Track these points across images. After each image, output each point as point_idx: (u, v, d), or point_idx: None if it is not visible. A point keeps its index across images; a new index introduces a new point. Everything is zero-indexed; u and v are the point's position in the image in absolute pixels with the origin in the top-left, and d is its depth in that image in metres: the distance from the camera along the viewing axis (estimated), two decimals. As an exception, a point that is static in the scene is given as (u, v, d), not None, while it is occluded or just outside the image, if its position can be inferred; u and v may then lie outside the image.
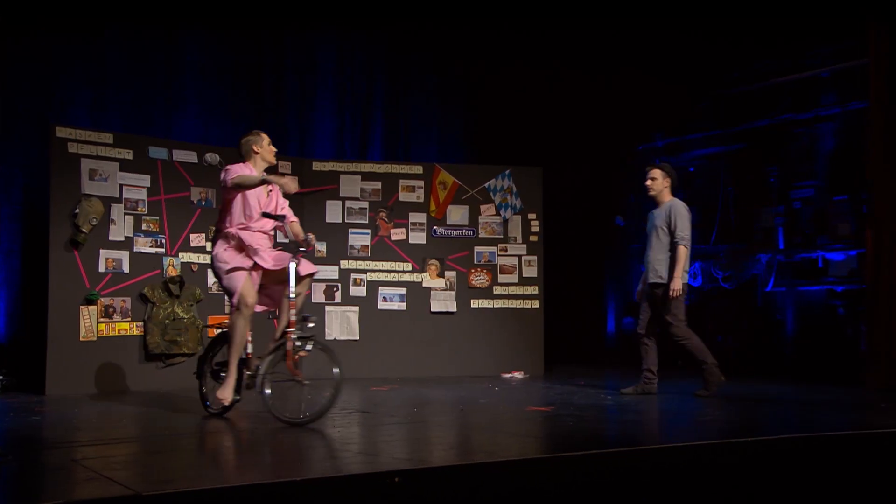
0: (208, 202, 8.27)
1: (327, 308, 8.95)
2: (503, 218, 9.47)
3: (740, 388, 7.57)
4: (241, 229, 5.56)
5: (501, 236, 9.49)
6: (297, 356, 5.30)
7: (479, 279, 9.36)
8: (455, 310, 9.27)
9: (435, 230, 9.34)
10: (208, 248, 8.19)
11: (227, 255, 5.52)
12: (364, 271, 9.09)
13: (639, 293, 7.26)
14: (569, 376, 8.77)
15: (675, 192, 7.25)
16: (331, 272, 8.99)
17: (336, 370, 5.23)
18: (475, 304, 9.34)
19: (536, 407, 6.30)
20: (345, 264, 9.07)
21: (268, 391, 5.34)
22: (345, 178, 9.14)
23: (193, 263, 8.15)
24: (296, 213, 8.66)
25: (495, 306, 9.37)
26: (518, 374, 9.08)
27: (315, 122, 10.08)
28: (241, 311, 5.47)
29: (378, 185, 9.21)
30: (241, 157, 5.79)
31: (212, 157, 8.33)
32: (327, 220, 9.03)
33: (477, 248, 9.42)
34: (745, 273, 10.19)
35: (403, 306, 9.14)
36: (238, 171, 5.54)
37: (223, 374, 5.65)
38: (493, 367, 9.23)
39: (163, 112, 9.00)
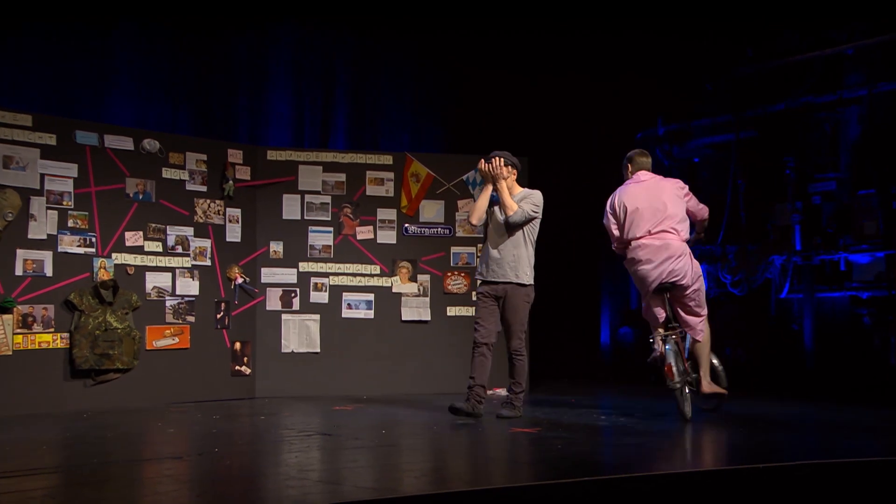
0: (146, 195, 8.23)
1: (284, 316, 8.95)
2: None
3: (751, 408, 7.63)
4: None
5: (482, 235, 9.40)
6: None
7: (456, 284, 9.39)
8: (429, 318, 9.28)
9: (406, 228, 9.35)
10: (148, 248, 8.17)
11: None
12: (326, 275, 9.08)
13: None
14: (558, 393, 8.78)
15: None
16: (288, 276, 8.99)
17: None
18: (452, 311, 9.35)
19: (521, 428, 6.30)
20: (304, 267, 9.06)
21: None
22: (304, 168, 9.12)
23: (129, 266, 8.10)
24: (248, 209, 8.82)
25: (475, 314, 9.34)
26: (501, 392, 8.97)
27: (269, 105, 10.05)
28: None
29: (342, 176, 9.21)
30: None
31: (150, 144, 8.29)
32: (284, 217, 9.03)
33: (454, 249, 9.44)
34: (757, 277, 10.27)
35: (371, 314, 9.15)
36: None
37: None
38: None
39: (92, 91, 8.94)
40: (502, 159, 6.93)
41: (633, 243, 6.75)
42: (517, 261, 6.74)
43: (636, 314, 11.56)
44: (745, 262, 10.35)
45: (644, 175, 6.97)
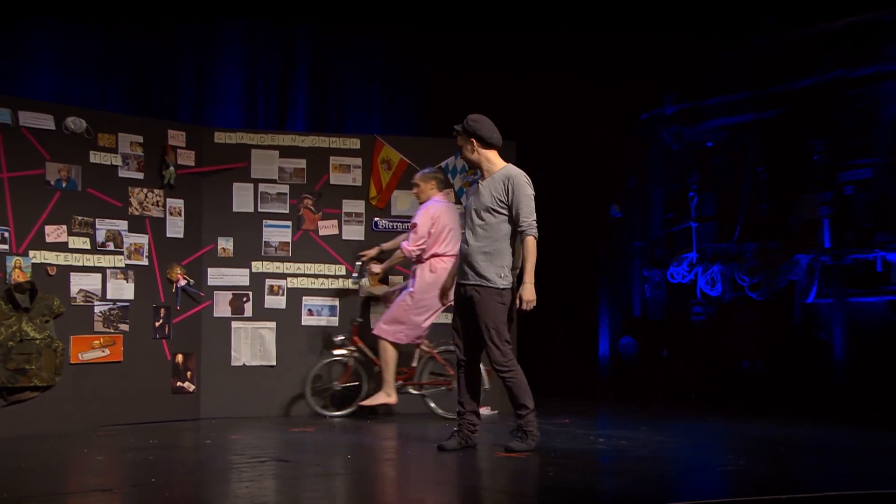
0: (71, 183, 8.17)
1: (234, 324, 8.94)
2: (465, 207, 9.41)
3: (773, 431, 7.63)
4: None
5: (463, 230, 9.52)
6: None
7: None
8: None
9: (376, 223, 9.36)
10: (73, 245, 8.12)
11: None
12: (283, 276, 9.09)
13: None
14: (550, 413, 8.66)
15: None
16: (239, 277, 9.00)
17: None
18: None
19: (508, 453, 6.27)
20: (258, 267, 9.06)
21: None
22: (258, 153, 9.12)
23: (50, 265, 8.04)
24: (193, 198, 8.78)
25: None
26: (485, 410, 8.93)
27: (217, 79, 10.01)
28: None
29: (302, 163, 9.22)
30: None
31: (75, 123, 8.22)
32: (234, 209, 9.03)
33: None
34: (780, 279, 10.30)
35: (335, 321, 9.14)
36: None
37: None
38: (452, 400, 9.07)
39: (5, 60, 8.88)
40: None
41: (446, 259, 8.22)
42: (489, 258, 6.47)
43: (640, 322, 11.61)
44: (766, 261, 10.38)
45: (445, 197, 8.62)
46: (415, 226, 8.37)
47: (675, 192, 11.57)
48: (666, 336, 11.35)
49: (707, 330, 10.99)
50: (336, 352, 8.69)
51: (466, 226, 6.61)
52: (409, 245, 8.37)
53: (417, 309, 8.36)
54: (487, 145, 6.60)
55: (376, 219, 9.34)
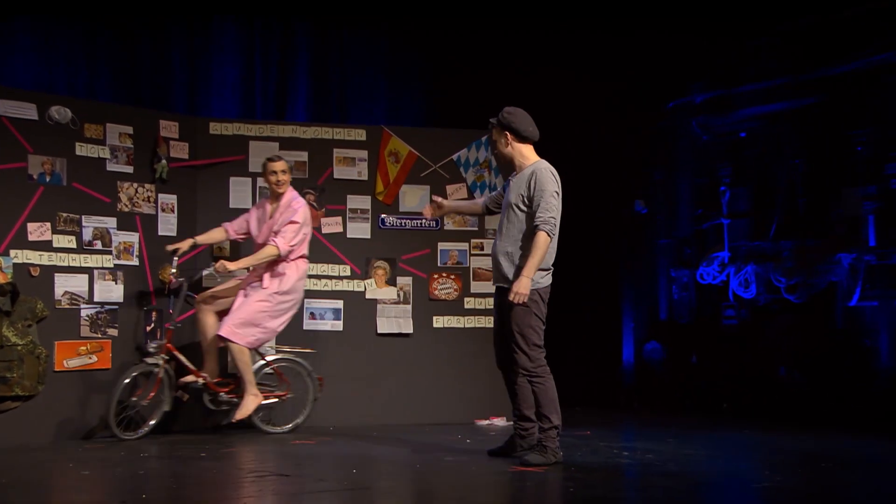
0: (55, 177, 8.18)
1: None
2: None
3: (812, 444, 7.62)
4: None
5: (476, 229, 9.51)
6: None
7: (444, 288, 9.42)
8: (411, 331, 9.33)
9: (383, 220, 9.39)
10: (58, 244, 8.13)
11: None
12: None
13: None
14: (570, 424, 8.54)
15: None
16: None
17: None
18: (439, 322, 9.39)
19: (523, 467, 6.30)
20: None
21: None
22: (256, 145, 9.13)
23: (33, 265, 8.05)
24: (187, 194, 8.82)
25: (467, 326, 9.43)
26: (498, 421, 9.10)
27: (212, 66, 10.01)
28: None
29: (303, 155, 9.24)
30: None
31: (60, 113, 8.23)
32: (231, 206, 9.02)
33: (442, 245, 9.48)
34: (819, 280, 10.25)
35: (339, 326, 9.20)
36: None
37: None
38: (463, 410, 9.28)
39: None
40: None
41: (306, 261, 8.45)
42: (515, 258, 6.64)
43: (667, 326, 11.58)
44: (804, 261, 10.33)
45: None
46: (294, 222, 8.16)
47: (704, 186, 11.53)
48: (695, 341, 11.31)
49: (740, 335, 10.92)
50: (148, 360, 8.01)
51: (498, 225, 6.81)
52: (284, 243, 8.11)
53: (276, 311, 8.22)
54: (522, 139, 6.72)
55: (383, 215, 9.36)
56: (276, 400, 8.45)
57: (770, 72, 10.73)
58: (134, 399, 7.93)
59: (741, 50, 10.95)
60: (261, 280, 8.25)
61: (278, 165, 8.25)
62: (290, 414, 8.55)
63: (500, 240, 6.70)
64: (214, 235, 8.54)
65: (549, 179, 6.57)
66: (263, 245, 8.22)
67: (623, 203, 11.75)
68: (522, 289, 6.40)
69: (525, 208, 6.60)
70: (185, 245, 8.33)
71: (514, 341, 6.56)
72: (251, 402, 8.13)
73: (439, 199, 7.34)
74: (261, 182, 8.96)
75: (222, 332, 8.05)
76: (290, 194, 8.32)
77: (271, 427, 8.46)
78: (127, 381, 7.86)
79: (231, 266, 8.14)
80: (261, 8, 10.22)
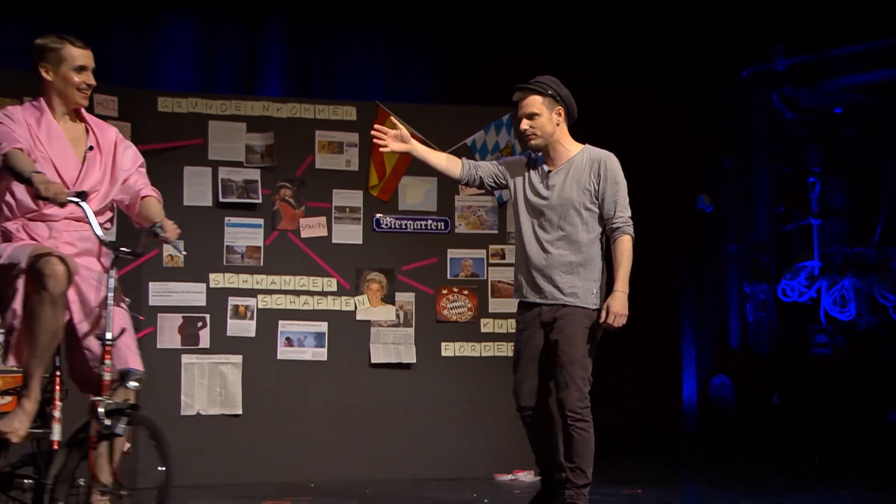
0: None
1: (185, 359, 8.98)
2: (499, 200, 9.45)
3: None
4: (30, 220, 5.68)
5: (496, 232, 9.53)
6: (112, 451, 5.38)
7: (456, 307, 9.40)
8: (414, 361, 9.33)
9: (378, 220, 9.42)
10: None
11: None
12: (252, 293, 9.17)
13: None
14: (616, 479, 8.69)
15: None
16: (192, 294, 9.06)
17: (162, 469, 5.17)
18: (449, 350, 9.37)
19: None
20: (217, 280, 9.11)
21: None
22: (216, 126, 9.20)
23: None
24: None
25: (484, 354, 9.38)
26: (524, 476, 9.10)
27: (162, 27, 10.09)
28: (47, 290, 5.30)
29: (275, 138, 9.26)
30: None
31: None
32: (185, 202, 9.06)
33: (452, 253, 9.50)
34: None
35: (322, 354, 9.23)
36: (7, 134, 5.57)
37: None
38: (480, 462, 9.23)
39: None
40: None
41: None
42: (579, 269, 6.54)
43: (739, 356, 11.60)
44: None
45: None
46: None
47: (787, 177, 11.62)
48: (777, 375, 11.37)
49: (836, 367, 11.00)
50: None
51: (528, 228, 6.60)
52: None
53: None
54: (570, 119, 6.63)
55: (378, 215, 9.40)
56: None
57: (872, 31, 10.67)
58: None
59: (836, 3, 10.76)
60: None
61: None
62: None
63: (550, 247, 6.49)
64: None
65: (620, 170, 6.57)
66: None
67: (683, 199, 11.81)
68: (622, 308, 6.35)
69: (593, 207, 6.50)
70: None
71: (567, 374, 6.41)
72: None
73: (403, 129, 6.68)
74: (223, 172, 9.03)
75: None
76: None
77: None
78: None
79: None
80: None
